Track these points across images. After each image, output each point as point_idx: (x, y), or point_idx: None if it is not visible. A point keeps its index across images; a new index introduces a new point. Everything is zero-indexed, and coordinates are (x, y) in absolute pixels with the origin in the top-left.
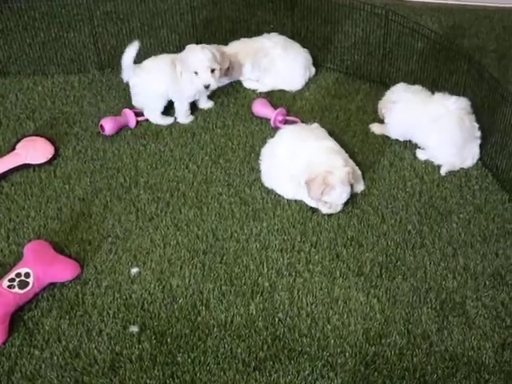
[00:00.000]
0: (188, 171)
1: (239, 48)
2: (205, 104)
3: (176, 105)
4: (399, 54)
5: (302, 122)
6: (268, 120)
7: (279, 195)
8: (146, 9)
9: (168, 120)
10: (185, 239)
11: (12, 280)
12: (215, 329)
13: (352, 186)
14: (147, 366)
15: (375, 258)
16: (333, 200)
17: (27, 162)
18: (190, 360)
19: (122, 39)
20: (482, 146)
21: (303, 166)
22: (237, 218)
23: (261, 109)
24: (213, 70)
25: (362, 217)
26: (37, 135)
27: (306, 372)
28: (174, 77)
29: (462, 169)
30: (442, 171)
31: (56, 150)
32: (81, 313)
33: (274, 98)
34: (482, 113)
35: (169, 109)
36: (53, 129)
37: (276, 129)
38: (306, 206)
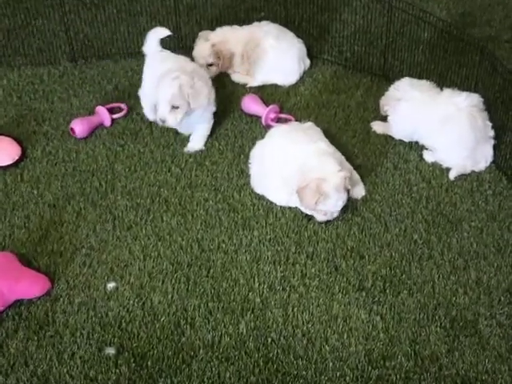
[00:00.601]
0: (170, 175)
1: (229, 35)
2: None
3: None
4: (403, 45)
5: (297, 120)
6: (259, 118)
7: (271, 201)
8: None
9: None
10: (167, 250)
11: None
12: (201, 350)
13: (348, 191)
14: None
15: (378, 271)
16: (328, 208)
17: None
18: None
19: (97, 27)
20: (495, 147)
21: (295, 170)
22: (225, 227)
23: (251, 105)
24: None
25: (363, 225)
26: (1, 134)
27: None
28: None
29: (473, 172)
30: (451, 175)
31: (23, 150)
32: (51, 333)
33: (266, 93)
34: (495, 110)
35: None
36: (19, 127)
37: (268, 127)
38: (301, 212)
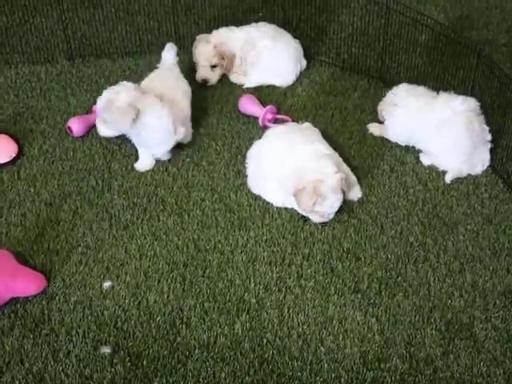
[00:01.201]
0: (167, 174)
1: (228, 36)
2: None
3: None
4: (401, 47)
5: (294, 121)
6: (256, 118)
7: (268, 202)
8: None
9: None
10: (163, 250)
11: None
12: (196, 350)
13: (344, 192)
14: None
15: (374, 273)
16: (325, 210)
17: None
18: None
19: (95, 26)
20: (492, 151)
21: (291, 172)
22: (221, 227)
23: (248, 106)
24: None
25: (360, 227)
26: None
27: None
28: None
29: (469, 175)
30: (447, 178)
31: (20, 148)
32: (46, 331)
33: (263, 94)
34: (492, 113)
35: None
36: (16, 125)
37: (265, 128)
38: (297, 214)
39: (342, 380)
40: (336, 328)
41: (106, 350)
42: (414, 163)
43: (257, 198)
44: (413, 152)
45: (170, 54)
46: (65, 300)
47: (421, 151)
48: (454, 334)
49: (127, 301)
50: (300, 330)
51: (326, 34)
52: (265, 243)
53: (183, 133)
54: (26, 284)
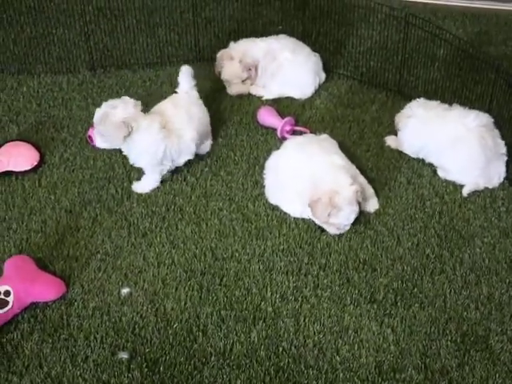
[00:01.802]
0: (186, 184)
1: (249, 47)
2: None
3: None
4: (419, 61)
5: (311, 132)
6: (274, 130)
7: (285, 212)
8: (143, 5)
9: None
10: (181, 258)
11: None
12: (213, 357)
13: (360, 204)
14: None
15: (390, 284)
16: (340, 221)
17: (9, 170)
18: None
19: (116, 37)
20: (508, 164)
21: (308, 183)
22: (238, 236)
23: (267, 118)
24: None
25: (376, 238)
26: (21, 140)
27: None
28: None
29: (486, 188)
30: (465, 192)
31: (41, 156)
32: (65, 336)
33: (282, 105)
34: (509, 127)
35: None
36: (38, 133)
37: (283, 139)
38: (315, 224)
39: None
40: (352, 338)
41: (124, 355)
42: (431, 176)
43: (274, 208)
44: (430, 165)
45: (185, 77)
46: (83, 306)
47: (433, 165)
48: (470, 345)
49: (145, 307)
50: (316, 339)
51: (345, 47)
52: (282, 253)
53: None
54: (45, 289)
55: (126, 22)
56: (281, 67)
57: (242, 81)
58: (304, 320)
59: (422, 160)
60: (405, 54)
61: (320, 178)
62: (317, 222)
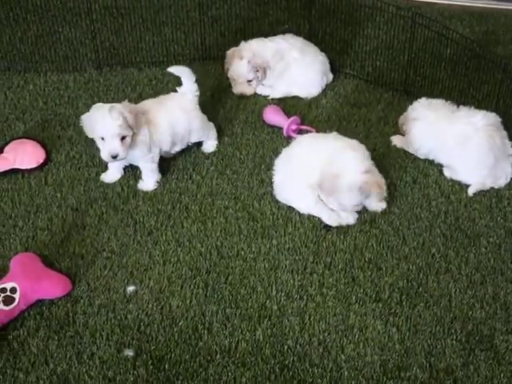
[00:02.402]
0: (191, 182)
1: (259, 48)
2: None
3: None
4: (425, 61)
5: (318, 132)
6: (280, 129)
7: (291, 211)
8: (149, 3)
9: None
10: (186, 256)
11: None
12: (218, 355)
13: (366, 197)
14: None
15: (395, 283)
16: (341, 202)
17: (16, 167)
18: None
19: (122, 36)
20: None
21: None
22: (244, 235)
23: (273, 117)
24: (123, 138)
25: (381, 237)
26: (27, 138)
27: None
28: None
29: (492, 188)
30: (470, 191)
31: (47, 154)
32: (71, 333)
33: (288, 105)
34: None
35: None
36: (44, 131)
37: (289, 138)
38: (320, 223)
39: None
40: (357, 336)
41: (129, 352)
42: (437, 175)
43: (280, 207)
44: (436, 165)
45: (183, 79)
46: (89, 303)
47: (439, 165)
48: (475, 345)
49: (150, 305)
50: (321, 337)
51: (351, 47)
52: (287, 251)
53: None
54: (51, 287)
55: (132, 20)
56: (289, 66)
57: (248, 81)
58: (309, 318)
59: (428, 160)
60: (411, 53)
61: (336, 158)
62: (324, 217)
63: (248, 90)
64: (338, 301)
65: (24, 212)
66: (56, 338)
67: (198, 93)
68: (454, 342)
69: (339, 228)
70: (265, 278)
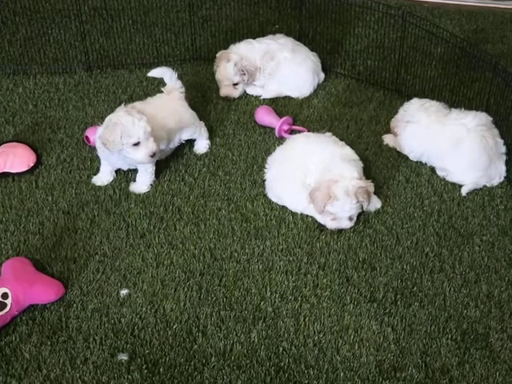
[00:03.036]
0: (184, 184)
1: (247, 50)
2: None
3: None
4: (416, 60)
5: (309, 132)
6: (272, 129)
7: (284, 212)
8: (139, 4)
9: None
10: (180, 258)
11: None
12: (213, 358)
13: (362, 205)
14: None
15: (389, 283)
16: (335, 211)
17: (6, 171)
18: None
19: (112, 37)
20: (507, 162)
21: (318, 174)
22: (237, 236)
23: (265, 117)
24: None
25: (375, 237)
26: (17, 141)
27: None
28: None
29: (485, 187)
30: (464, 191)
31: (38, 157)
32: (64, 338)
33: (279, 105)
34: (507, 125)
35: None
36: (35, 134)
37: (281, 139)
38: (314, 224)
39: None
40: (352, 337)
41: (123, 357)
42: (430, 174)
43: (273, 207)
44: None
45: (170, 80)
46: (82, 307)
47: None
48: (470, 344)
49: (144, 309)
50: (316, 338)
51: (342, 46)
52: (281, 252)
53: None
54: (43, 291)
55: (122, 21)
56: (280, 67)
57: (234, 84)
58: (304, 320)
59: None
60: (402, 52)
61: (327, 167)
62: (315, 214)
63: (232, 93)
64: (333, 301)
65: (15, 216)
66: (49, 343)
67: (183, 89)
68: (449, 341)
69: None
70: (259, 279)
